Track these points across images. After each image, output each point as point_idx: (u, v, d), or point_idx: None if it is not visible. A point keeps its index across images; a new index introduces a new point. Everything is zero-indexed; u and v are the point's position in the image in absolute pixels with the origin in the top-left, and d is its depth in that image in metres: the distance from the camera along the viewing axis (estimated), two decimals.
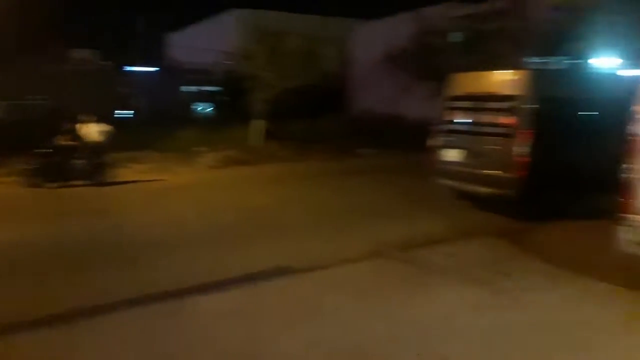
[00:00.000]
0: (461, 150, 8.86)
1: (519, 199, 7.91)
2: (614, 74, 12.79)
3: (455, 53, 21.21)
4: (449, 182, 9.10)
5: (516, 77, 8.20)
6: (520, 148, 7.84)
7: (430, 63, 20.29)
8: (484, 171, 8.39)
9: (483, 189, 8.40)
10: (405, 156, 14.85)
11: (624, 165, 4.93)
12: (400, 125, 20.39)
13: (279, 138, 17.79)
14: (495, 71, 9.40)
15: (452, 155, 9.04)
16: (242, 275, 5.55)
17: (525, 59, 22.09)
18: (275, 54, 17.70)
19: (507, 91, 8.23)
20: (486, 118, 8.57)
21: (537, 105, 7.86)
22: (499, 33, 21.27)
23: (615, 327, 4.26)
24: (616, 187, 5.12)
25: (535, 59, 22.40)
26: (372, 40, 24.28)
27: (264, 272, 5.61)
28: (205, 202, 10.23)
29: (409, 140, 17.12)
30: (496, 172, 8.22)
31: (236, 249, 6.73)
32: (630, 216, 4.84)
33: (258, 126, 18.35)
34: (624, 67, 21.52)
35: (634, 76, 12.09)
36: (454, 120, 9.16)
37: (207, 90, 26.71)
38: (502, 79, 8.47)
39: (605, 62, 23.31)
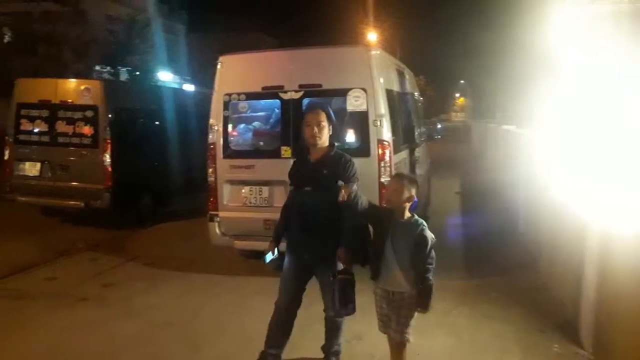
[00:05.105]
0: (40, 163, 8.17)
1: (109, 208, 7.95)
2: (179, 88, 14.60)
3: (8, 53, 19.03)
4: (31, 199, 8.22)
5: (90, 87, 8.15)
6: (104, 158, 7.89)
7: None
8: (69, 184, 8.05)
9: (71, 203, 8.03)
10: None
11: (207, 170, 5.74)
12: None
13: None
14: (67, 79, 9.08)
15: (29, 168, 8.23)
16: None
17: (93, 68, 21.94)
18: None
19: (83, 101, 8.09)
20: (65, 128, 8.16)
21: (115, 116, 8.04)
22: (54, 37, 20.33)
23: (228, 312, 4.96)
24: (202, 188, 5.92)
25: (99, 68, 22.60)
26: None
27: None
28: None
29: None
30: (82, 184, 8.03)
31: None
32: (216, 213, 5.70)
33: None
34: (184, 82, 24.36)
35: (197, 91, 14.24)
36: (28, 130, 8.30)
37: None
38: (76, 88, 8.24)
39: (167, 77, 25.80)
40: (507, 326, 4.35)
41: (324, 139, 3.52)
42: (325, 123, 3.51)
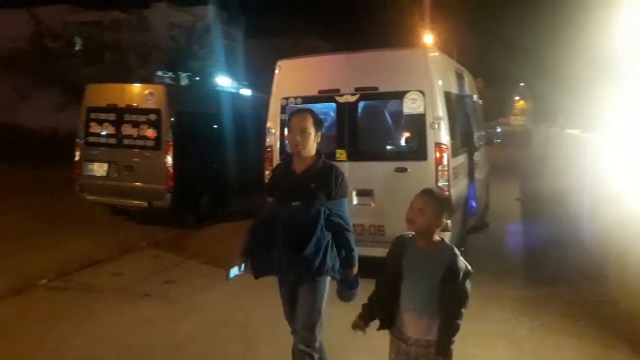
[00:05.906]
0: (107, 164, 8.61)
1: (171, 208, 8.26)
2: (237, 93, 15.09)
3: (79, 60, 20.19)
4: (99, 198, 8.70)
5: (154, 91, 8.50)
6: (167, 160, 8.20)
7: (51, 69, 18.65)
8: (134, 184, 8.43)
9: (135, 202, 8.41)
10: (35, 171, 13.12)
11: (264, 172, 5.85)
12: (19, 136, 17.97)
13: None
14: (133, 84, 9.52)
15: (97, 169, 8.69)
16: None
17: (155, 74, 22.91)
18: None
19: (147, 105, 8.44)
20: (130, 131, 8.56)
21: (176, 119, 8.35)
22: (121, 44, 21.39)
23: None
24: (259, 190, 6.03)
25: (161, 74, 23.55)
26: None
27: None
28: None
29: (35, 153, 15.34)
30: (145, 184, 8.38)
31: None
32: None
33: None
34: (242, 87, 24.99)
35: (253, 95, 14.62)
36: (97, 133, 8.77)
37: None
38: (141, 93, 8.62)
39: (225, 82, 26.47)
40: (570, 339, 4.17)
41: (309, 148, 3.04)
42: (310, 130, 3.01)
